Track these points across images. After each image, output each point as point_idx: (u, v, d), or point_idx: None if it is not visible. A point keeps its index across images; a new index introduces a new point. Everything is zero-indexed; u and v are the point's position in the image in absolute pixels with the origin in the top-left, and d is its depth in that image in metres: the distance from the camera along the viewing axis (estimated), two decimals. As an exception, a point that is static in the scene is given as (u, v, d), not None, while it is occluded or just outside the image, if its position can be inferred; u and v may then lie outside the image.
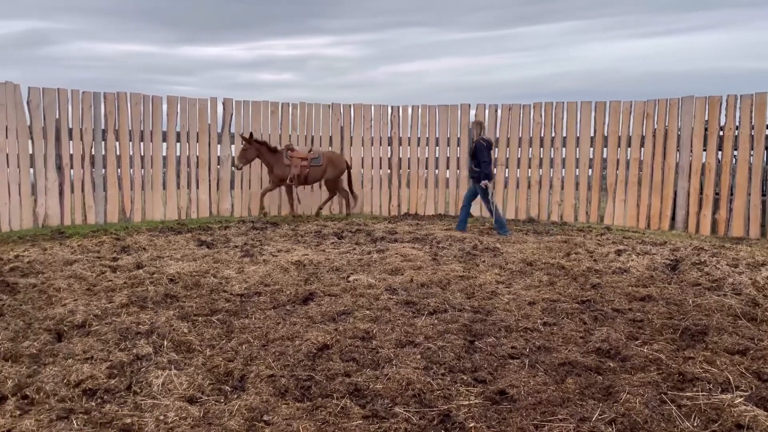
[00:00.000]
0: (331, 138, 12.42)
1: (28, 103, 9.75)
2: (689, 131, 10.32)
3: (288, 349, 3.85)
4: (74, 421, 2.82)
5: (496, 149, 12.02)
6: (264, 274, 5.98)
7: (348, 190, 11.83)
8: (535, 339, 4.15)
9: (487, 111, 12.17)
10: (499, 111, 12.10)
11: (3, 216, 9.41)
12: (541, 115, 11.83)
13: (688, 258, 6.97)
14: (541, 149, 11.86)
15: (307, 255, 6.99)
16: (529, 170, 11.96)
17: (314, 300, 5.07)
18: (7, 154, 9.49)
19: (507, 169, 12.14)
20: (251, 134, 10.97)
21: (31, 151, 9.77)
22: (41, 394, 3.13)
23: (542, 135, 11.85)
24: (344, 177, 11.71)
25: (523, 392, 3.24)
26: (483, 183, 9.18)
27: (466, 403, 3.11)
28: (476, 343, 4.06)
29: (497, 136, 12.09)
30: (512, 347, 3.96)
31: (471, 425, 2.87)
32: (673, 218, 10.57)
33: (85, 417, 2.88)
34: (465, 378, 3.44)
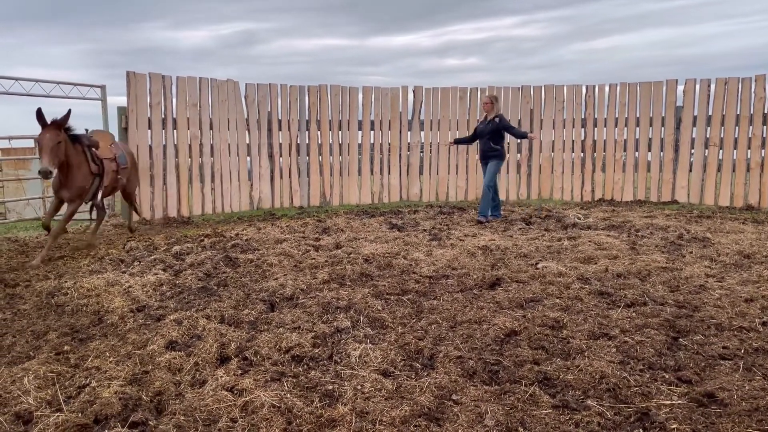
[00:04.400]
0: (519, 121, 12.15)
1: (245, 97, 10.98)
2: None
3: (475, 333, 3.89)
4: (285, 383, 3.15)
5: (708, 128, 10.93)
6: (451, 257, 6.08)
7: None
8: (753, 340, 3.71)
9: (697, 86, 11.01)
10: (713, 86, 10.88)
11: (225, 199, 10.77)
12: (764, 88, 10.42)
13: None
14: (764, 127, 10.45)
15: (494, 240, 6.95)
16: (749, 151, 10.61)
17: (501, 285, 5.05)
18: (229, 144, 10.80)
19: (721, 151, 10.89)
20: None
21: (247, 141, 11.01)
22: (258, 357, 3.54)
23: (766, 111, 10.43)
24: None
25: (735, 397, 2.92)
26: (530, 135, 9.26)
27: (668, 402, 2.89)
28: (680, 340, 3.74)
29: (709, 113, 10.89)
30: (724, 347, 3.58)
31: (673, 426, 2.66)
32: None
33: (294, 380, 3.20)
34: (667, 376, 3.20)
